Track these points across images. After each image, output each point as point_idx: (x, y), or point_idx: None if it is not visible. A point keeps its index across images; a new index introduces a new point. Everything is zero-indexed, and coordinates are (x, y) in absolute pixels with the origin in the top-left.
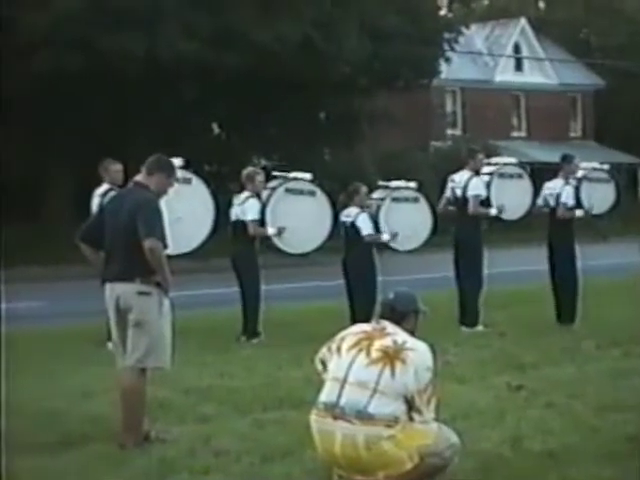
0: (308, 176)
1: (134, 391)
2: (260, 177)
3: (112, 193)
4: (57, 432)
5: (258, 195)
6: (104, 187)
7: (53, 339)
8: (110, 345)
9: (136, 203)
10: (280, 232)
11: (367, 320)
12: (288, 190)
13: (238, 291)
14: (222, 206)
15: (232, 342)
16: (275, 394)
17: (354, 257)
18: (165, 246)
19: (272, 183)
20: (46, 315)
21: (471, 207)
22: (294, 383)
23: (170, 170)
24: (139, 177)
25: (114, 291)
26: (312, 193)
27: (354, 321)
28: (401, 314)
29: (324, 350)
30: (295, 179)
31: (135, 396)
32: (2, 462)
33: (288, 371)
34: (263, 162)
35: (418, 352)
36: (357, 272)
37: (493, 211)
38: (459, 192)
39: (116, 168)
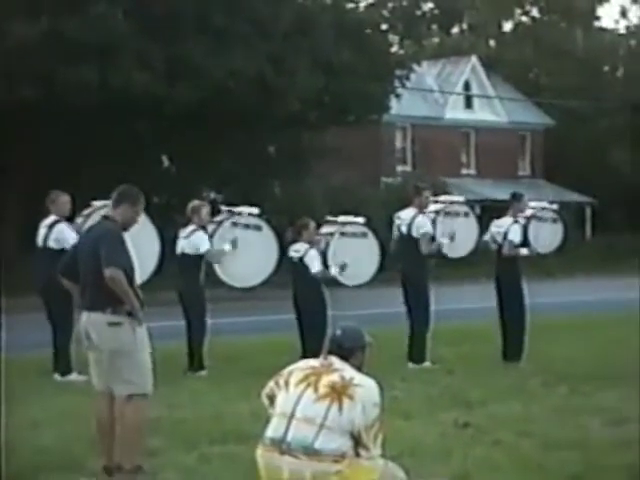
0: (255, 210)
1: (125, 417)
2: (205, 210)
3: (60, 225)
4: (9, 464)
5: (204, 228)
6: (51, 218)
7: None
8: (56, 376)
9: (99, 235)
10: (223, 263)
11: (318, 355)
12: (234, 224)
13: (184, 324)
14: (168, 239)
15: (179, 375)
16: (222, 428)
17: (303, 292)
18: (129, 276)
19: (219, 217)
20: None
21: (423, 247)
22: (241, 417)
23: (134, 199)
24: (103, 209)
25: (87, 320)
26: (258, 227)
27: (305, 355)
28: (348, 350)
29: (271, 384)
30: (241, 213)
31: (127, 421)
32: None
33: (235, 404)
34: (212, 195)
35: (365, 388)
36: (307, 307)
37: (444, 241)
38: (404, 229)
39: (64, 200)
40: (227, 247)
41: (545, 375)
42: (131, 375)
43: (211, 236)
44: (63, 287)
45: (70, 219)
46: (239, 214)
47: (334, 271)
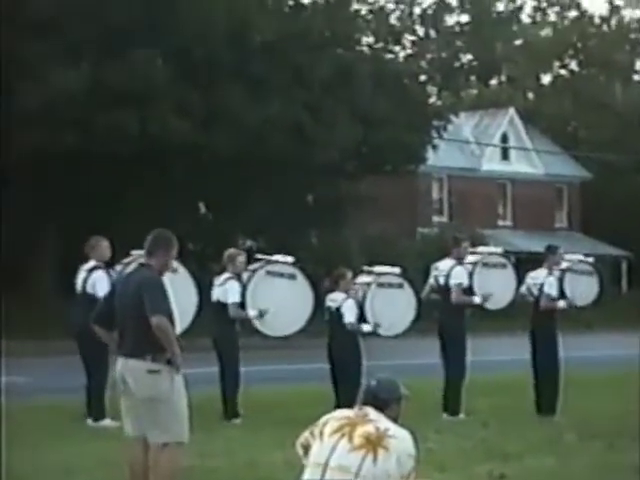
0: (289, 259)
1: (159, 465)
2: (241, 258)
3: (99, 271)
4: None
5: (239, 276)
6: (91, 263)
7: (32, 414)
8: (89, 421)
9: (140, 283)
10: (262, 314)
11: (351, 405)
12: (269, 272)
13: (218, 371)
14: (204, 286)
15: (214, 422)
16: (256, 477)
17: (339, 342)
18: (172, 323)
19: (253, 265)
20: (27, 391)
21: (454, 296)
22: (275, 466)
23: (168, 246)
24: (142, 257)
25: (124, 366)
26: (292, 276)
27: (338, 405)
28: (384, 401)
29: (306, 434)
30: (276, 262)
31: (162, 469)
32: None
33: (269, 454)
34: (248, 243)
35: (400, 439)
36: (342, 357)
37: (476, 299)
38: (442, 280)
39: (104, 245)
40: (253, 314)
41: (580, 429)
42: (168, 423)
43: (245, 285)
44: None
45: (109, 264)
46: (274, 262)
47: (366, 329)
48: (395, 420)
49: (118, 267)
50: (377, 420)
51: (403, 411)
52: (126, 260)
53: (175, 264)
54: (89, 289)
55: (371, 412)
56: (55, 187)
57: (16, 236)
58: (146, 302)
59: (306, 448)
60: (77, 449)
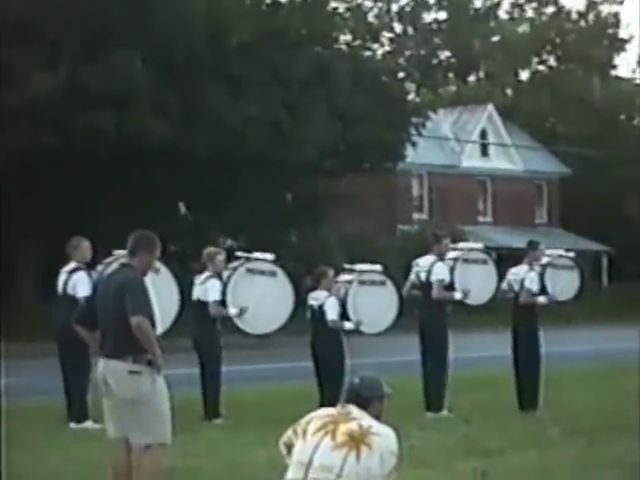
0: (270, 256)
1: (142, 466)
2: (220, 257)
3: (80, 272)
4: None
5: (219, 275)
6: (72, 265)
7: (19, 416)
8: (72, 424)
9: (122, 283)
10: (242, 312)
11: (336, 403)
12: (249, 270)
13: (199, 372)
14: (185, 286)
15: (195, 423)
16: (238, 477)
17: (322, 340)
18: (153, 324)
19: (233, 263)
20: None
21: (435, 292)
22: (258, 466)
23: (151, 245)
24: (124, 258)
25: (106, 367)
26: (273, 274)
27: (322, 403)
28: (367, 399)
29: (289, 433)
30: (257, 259)
31: (145, 471)
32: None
33: (251, 453)
34: (229, 242)
35: (383, 437)
36: (325, 355)
37: (457, 295)
38: (423, 276)
39: (85, 245)
40: (233, 312)
41: (563, 424)
42: (150, 424)
43: (226, 283)
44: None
45: (90, 265)
46: (254, 260)
47: (348, 326)
48: (378, 418)
49: (99, 267)
50: (360, 418)
51: (386, 409)
52: (107, 260)
53: (157, 264)
54: (70, 290)
55: (354, 410)
56: (38, 188)
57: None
58: (127, 303)
59: (289, 447)
60: (62, 452)
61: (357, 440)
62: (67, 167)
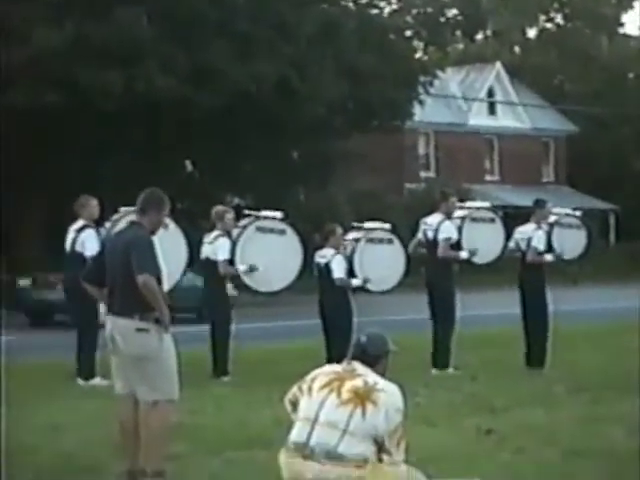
0: (279, 214)
1: (149, 422)
2: (230, 215)
3: (88, 230)
4: (28, 468)
5: (228, 233)
6: (80, 223)
7: (23, 373)
8: (79, 380)
9: (129, 241)
10: (251, 270)
11: (343, 360)
12: (258, 228)
13: (209, 329)
14: (193, 244)
15: (203, 380)
16: (245, 433)
17: (330, 298)
18: (159, 282)
19: (243, 221)
20: (15, 349)
21: (440, 250)
22: (265, 423)
23: (160, 205)
24: (131, 214)
25: (114, 324)
26: (282, 232)
27: (330, 361)
28: (374, 357)
29: (294, 390)
30: (265, 217)
31: (152, 427)
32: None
33: (259, 410)
34: (236, 201)
35: (389, 393)
36: (333, 312)
37: (463, 254)
38: (431, 235)
39: (93, 204)
40: (243, 269)
41: (569, 382)
42: (157, 381)
43: (235, 241)
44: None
45: (98, 223)
46: (263, 218)
47: (355, 283)
48: (383, 375)
49: (107, 224)
50: (365, 375)
51: (390, 366)
52: (115, 217)
53: (167, 220)
54: (78, 248)
55: (359, 367)
56: (40, 146)
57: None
58: (134, 261)
59: (294, 404)
60: (67, 407)
61: (362, 397)
62: (72, 124)
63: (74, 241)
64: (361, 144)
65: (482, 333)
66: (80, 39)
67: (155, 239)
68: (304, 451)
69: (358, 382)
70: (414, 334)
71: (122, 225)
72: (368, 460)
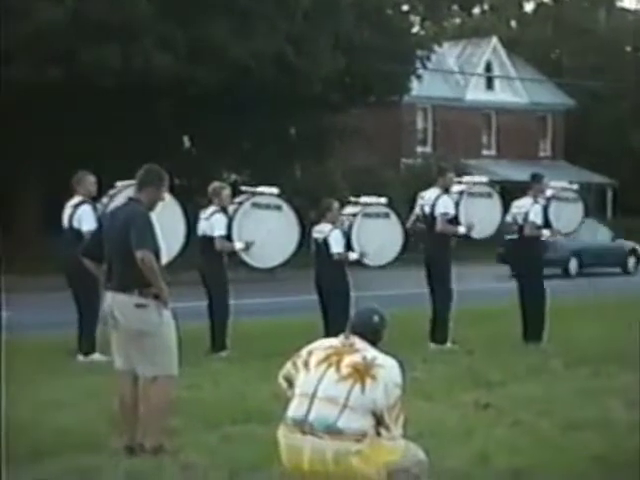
0: (275, 190)
1: (149, 398)
2: (226, 192)
3: (85, 206)
4: (27, 444)
5: (224, 210)
6: (76, 199)
7: (22, 350)
8: (80, 356)
9: (128, 217)
10: (248, 247)
11: (339, 335)
12: (255, 205)
13: (206, 305)
14: (191, 220)
15: (201, 356)
16: (243, 408)
17: (327, 273)
18: (158, 258)
19: (239, 198)
20: (14, 327)
21: (439, 225)
22: (263, 398)
23: (159, 180)
24: (128, 188)
25: (113, 300)
26: (279, 208)
27: (327, 335)
28: (372, 332)
29: (288, 366)
30: (262, 194)
31: (151, 402)
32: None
33: (257, 385)
34: (233, 177)
35: (388, 368)
36: (330, 288)
37: (461, 229)
38: (428, 209)
39: (91, 180)
40: (239, 246)
41: (566, 356)
42: (157, 356)
43: (231, 218)
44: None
45: (95, 200)
46: (260, 194)
47: (353, 256)
48: (380, 349)
49: (104, 200)
50: (364, 349)
51: (387, 341)
52: (111, 192)
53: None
54: (75, 224)
55: (358, 341)
56: (38, 122)
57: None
58: (132, 237)
59: (289, 380)
60: (66, 383)
61: (362, 372)
62: (70, 100)
63: (71, 217)
64: (358, 119)
65: (480, 308)
66: (79, 15)
67: (153, 215)
68: (303, 426)
69: (357, 357)
70: (411, 309)
71: (119, 200)
72: (367, 434)
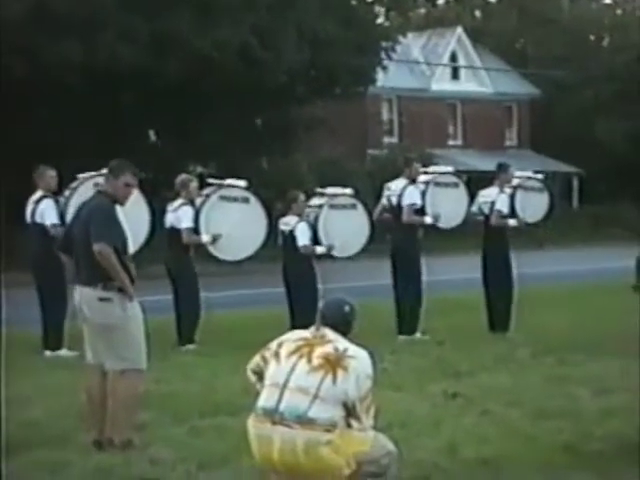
0: (242, 183)
1: (117, 392)
2: (194, 184)
3: (47, 200)
4: None
5: (192, 202)
6: (38, 194)
7: None
8: (47, 352)
9: (90, 211)
10: (215, 239)
11: (308, 328)
12: (222, 197)
13: (172, 298)
14: (157, 213)
15: (168, 349)
16: (212, 401)
17: (293, 265)
18: (120, 251)
19: (206, 190)
20: None
21: (405, 216)
22: (232, 391)
23: (119, 173)
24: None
25: (80, 294)
26: (246, 200)
27: (294, 328)
28: (342, 323)
29: (257, 359)
30: (229, 186)
31: (120, 396)
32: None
33: (225, 378)
34: (199, 170)
35: (359, 360)
36: (297, 280)
37: (428, 219)
38: (395, 200)
39: (50, 174)
40: (206, 239)
41: (534, 345)
42: (124, 350)
43: (198, 210)
44: (54, 263)
45: (57, 194)
46: (227, 187)
47: (320, 250)
48: (350, 340)
49: (66, 192)
50: (335, 340)
51: (357, 332)
52: (73, 184)
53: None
54: (38, 219)
55: (329, 333)
56: (4, 117)
57: None
58: (91, 229)
59: (258, 373)
60: (34, 379)
61: (333, 363)
62: (33, 94)
63: (33, 212)
64: (324, 111)
65: (448, 298)
66: (40, 8)
67: (119, 208)
68: (273, 416)
69: (328, 348)
70: (380, 300)
71: (81, 192)
72: (337, 425)
